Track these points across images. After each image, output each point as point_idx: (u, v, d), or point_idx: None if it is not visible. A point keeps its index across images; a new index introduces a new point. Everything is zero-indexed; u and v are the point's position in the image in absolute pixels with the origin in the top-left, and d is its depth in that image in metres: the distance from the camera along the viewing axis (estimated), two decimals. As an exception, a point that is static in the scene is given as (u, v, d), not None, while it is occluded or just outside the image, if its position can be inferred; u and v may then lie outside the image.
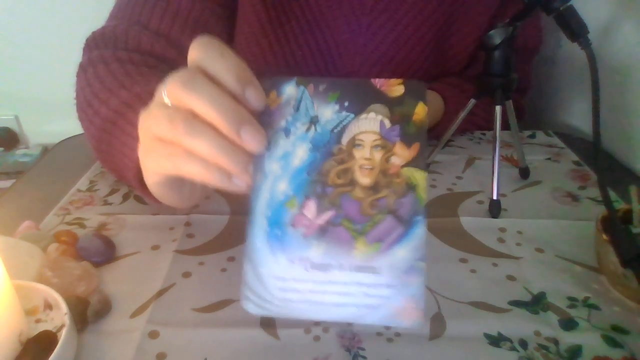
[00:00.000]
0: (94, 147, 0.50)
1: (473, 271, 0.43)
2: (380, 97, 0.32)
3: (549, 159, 0.63)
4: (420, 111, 0.32)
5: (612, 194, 0.52)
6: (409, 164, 0.31)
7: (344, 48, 0.66)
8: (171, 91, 0.31)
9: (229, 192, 0.32)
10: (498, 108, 0.51)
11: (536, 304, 0.40)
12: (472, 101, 0.53)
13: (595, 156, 0.41)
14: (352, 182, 0.31)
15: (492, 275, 0.43)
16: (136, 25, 0.57)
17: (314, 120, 0.32)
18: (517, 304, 0.40)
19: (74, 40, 0.65)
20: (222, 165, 0.31)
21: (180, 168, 0.32)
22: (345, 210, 0.31)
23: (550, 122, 0.81)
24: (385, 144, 0.32)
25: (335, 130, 0.32)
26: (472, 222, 0.50)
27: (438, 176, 0.58)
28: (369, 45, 0.66)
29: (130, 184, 0.45)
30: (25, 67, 1.43)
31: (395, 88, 0.32)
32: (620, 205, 0.44)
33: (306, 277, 0.31)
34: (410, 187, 0.31)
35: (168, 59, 0.57)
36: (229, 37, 0.68)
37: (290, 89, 0.32)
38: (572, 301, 0.40)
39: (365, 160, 0.32)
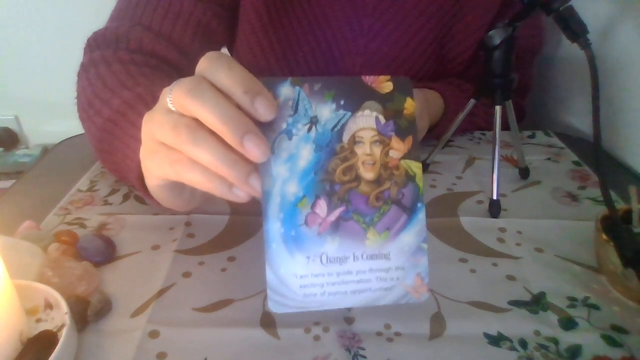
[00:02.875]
0: (95, 147, 0.50)
1: (473, 271, 0.43)
2: (372, 94, 0.33)
3: (548, 159, 0.63)
4: (409, 106, 0.34)
5: (612, 194, 0.52)
6: (405, 156, 0.34)
7: (345, 49, 0.66)
8: (176, 98, 0.31)
9: (230, 200, 0.33)
10: (498, 108, 0.51)
11: (536, 303, 0.40)
12: (472, 101, 0.53)
13: (596, 156, 0.41)
14: (357, 178, 0.33)
15: (492, 275, 0.43)
16: (138, 26, 0.57)
17: (314, 121, 0.33)
18: (517, 303, 0.40)
19: (74, 40, 0.65)
20: (224, 175, 0.31)
21: (182, 175, 0.32)
22: (354, 204, 0.33)
23: (550, 122, 0.81)
24: (382, 139, 0.33)
25: (336, 129, 0.33)
26: (472, 222, 0.50)
27: (438, 176, 0.58)
28: (370, 46, 0.66)
29: (132, 184, 0.45)
30: (25, 67, 1.43)
31: (385, 85, 0.34)
32: (620, 205, 0.44)
33: (324, 271, 0.33)
34: (410, 177, 0.34)
35: (169, 60, 0.57)
36: (230, 37, 0.68)
37: (286, 90, 0.32)
38: (572, 301, 0.40)
39: (366, 156, 0.33)
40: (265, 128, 0.32)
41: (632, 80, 0.63)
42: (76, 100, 0.55)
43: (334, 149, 0.33)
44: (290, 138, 0.32)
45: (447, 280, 0.42)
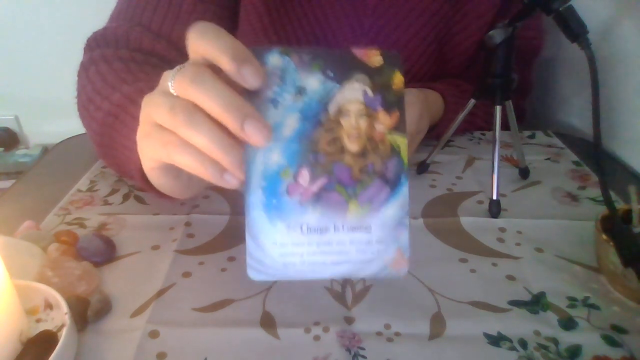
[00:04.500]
0: (95, 142, 0.50)
1: (473, 271, 0.43)
2: (361, 67, 0.33)
3: (548, 159, 0.63)
4: (398, 81, 0.34)
5: (612, 194, 0.52)
6: (391, 130, 0.33)
7: None
8: (179, 85, 0.31)
9: (220, 187, 0.32)
10: (498, 108, 0.51)
11: (536, 303, 0.40)
12: (472, 101, 0.53)
13: (596, 156, 0.41)
14: (342, 150, 0.33)
15: (492, 275, 0.43)
16: (137, 27, 0.57)
17: (301, 91, 0.33)
18: (516, 303, 0.40)
19: (75, 40, 0.65)
20: (218, 159, 0.31)
21: (173, 157, 0.32)
22: (338, 176, 0.33)
23: (550, 122, 0.81)
24: (369, 112, 0.33)
25: (322, 101, 0.33)
26: (472, 222, 0.50)
27: (438, 176, 0.58)
28: (371, 46, 0.66)
29: (133, 178, 0.45)
30: (25, 67, 1.43)
31: (374, 58, 0.33)
32: (620, 205, 0.44)
33: (304, 241, 0.33)
34: (394, 151, 0.33)
35: (169, 60, 0.57)
36: None
37: (274, 59, 0.32)
38: (572, 301, 0.40)
39: (352, 129, 0.33)
40: (251, 96, 0.32)
41: (632, 80, 0.63)
42: (76, 100, 0.55)
43: (319, 120, 0.33)
44: (276, 107, 0.32)
45: (447, 280, 0.42)
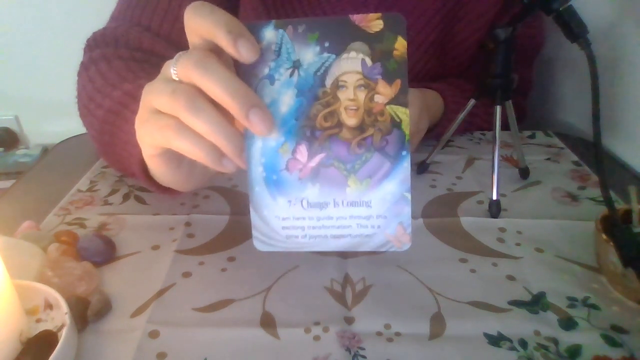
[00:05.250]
0: (96, 140, 0.50)
1: (473, 271, 0.43)
2: (359, 34, 0.32)
3: (548, 159, 0.63)
4: (400, 46, 0.32)
5: (612, 194, 0.52)
6: (392, 101, 0.32)
7: None
8: (182, 69, 0.31)
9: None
10: (498, 108, 0.51)
11: (536, 303, 0.40)
12: (472, 101, 0.53)
13: (596, 156, 0.41)
14: (339, 124, 0.33)
15: (492, 275, 0.43)
16: (137, 27, 0.57)
17: (296, 65, 0.32)
18: (516, 303, 0.40)
19: (74, 40, 0.65)
20: (219, 145, 0.31)
21: (171, 142, 0.32)
22: (335, 151, 0.33)
23: (550, 122, 0.81)
24: (368, 83, 0.32)
25: (319, 73, 0.32)
26: (472, 222, 0.50)
27: (438, 176, 0.58)
28: None
29: (134, 174, 0.45)
30: (25, 67, 1.43)
31: (374, 23, 0.32)
32: (620, 205, 0.44)
33: (305, 215, 0.34)
34: (395, 124, 0.32)
35: (169, 59, 0.57)
36: None
37: (269, 34, 0.32)
38: (572, 301, 0.40)
39: (349, 102, 0.32)
40: (247, 73, 0.32)
41: (632, 80, 0.63)
42: (77, 99, 0.55)
43: (316, 94, 0.32)
44: (272, 83, 0.32)
45: (447, 280, 0.42)
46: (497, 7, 0.66)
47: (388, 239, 0.34)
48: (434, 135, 0.62)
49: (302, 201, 0.33)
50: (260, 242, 0.34)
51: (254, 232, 0.34)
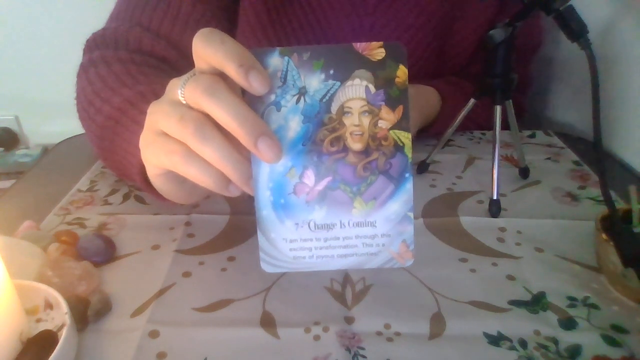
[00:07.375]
0: (96, 145, 0.50)
1: (473, 271, 0.43)
2: (363, 62, 0.33)
3: (548, 158, 0.63)
4: (402, 74, 0.33)
5: (612, 194, 0.52)
6: (394, 126, 0.33)
7: None
8: (190, 94, 0.31)
9: (227, 198, 0.33)
10: (498, 108, 0.51)
11: (536, 303, 0.40)
12: (472, 101, 0.53)
13: (596, 156, 0.41)
14: (345, 149, 0.34)
15: (491, 274, 0.43)
16: (137, 27, 0.57)
17: (302, 92, 0.33)
18: (516, 303, 0.40)
19: (74, 40, 0.65)
20: (227, 173, 0.31)
21: (178, 167, 0.32)
22: (341, 175, 0.34)
23: (550, 122, 0.81)
24: (371, 109, 0.33)
25: (324, 100, 0.33)
26: (472, 221, 0.50)
27: (438, 176, 0.58)
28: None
29: (134, 181, 0.45)
30: (25, 67, 1.43)
31: (377, 52, 0.33)
32: (620, 205, 0.44)
33: (312, 236, 0.35)
34: (398, 148, 0.34)
35: (169, 60, 0.57)
36: None
37: (275, 61, 0.32)
38: (572, 301, 0.40)
39: (355, 127, 0.33)
40: (254, 99, 0.32)
41: (632, 80, 0.63)
42: (76, 101, 0.55)
43: (322, 119, 0.33)
44: (279, 109, 0.33)
45: (447, 280, 0.42)
46: (496, 6, 0.66)
47: (392, 256, 0.35)
48: (432, 133, 0.62)
49: (309, 223, 0.34)
50: (267, 264, 0.35)
51: (261, 254, 0.35)
